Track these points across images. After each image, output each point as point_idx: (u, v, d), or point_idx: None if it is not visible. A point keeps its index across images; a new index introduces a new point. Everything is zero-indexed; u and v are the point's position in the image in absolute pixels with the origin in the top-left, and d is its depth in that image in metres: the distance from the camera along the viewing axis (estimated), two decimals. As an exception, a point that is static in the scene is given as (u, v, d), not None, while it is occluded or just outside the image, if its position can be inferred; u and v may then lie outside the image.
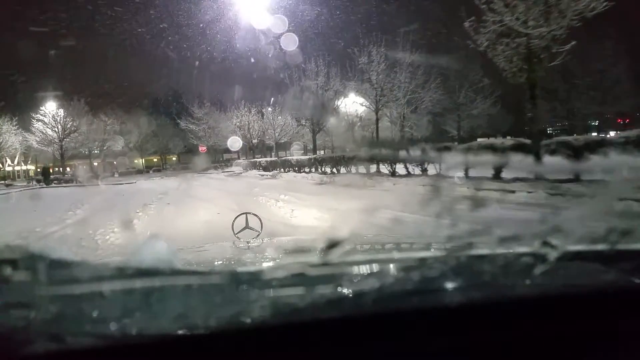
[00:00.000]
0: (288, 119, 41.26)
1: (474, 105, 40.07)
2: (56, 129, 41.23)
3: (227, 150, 59.87)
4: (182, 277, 0.79)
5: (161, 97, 58.95)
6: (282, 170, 28.60)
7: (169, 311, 0.74)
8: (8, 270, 0.70)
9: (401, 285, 0.82)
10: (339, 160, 20.93)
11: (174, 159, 63.51)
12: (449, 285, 0.85)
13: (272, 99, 39.68)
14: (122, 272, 0.76)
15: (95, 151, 52.43)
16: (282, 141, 45.18)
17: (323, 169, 22.88)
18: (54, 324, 0.70)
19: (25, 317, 0.69)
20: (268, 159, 38.59)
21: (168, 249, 0.83)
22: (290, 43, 23.90)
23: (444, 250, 1.01)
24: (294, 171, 26.49)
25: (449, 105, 40.38)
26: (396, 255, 1.38)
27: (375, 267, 0.91)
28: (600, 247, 0.98)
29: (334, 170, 21.37)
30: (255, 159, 40.50)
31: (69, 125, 41.64)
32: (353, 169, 19.65)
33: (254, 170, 34.41)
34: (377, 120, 29.35)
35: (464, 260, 0.89)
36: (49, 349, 0.68)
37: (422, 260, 0.91)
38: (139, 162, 60.64)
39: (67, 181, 32.89)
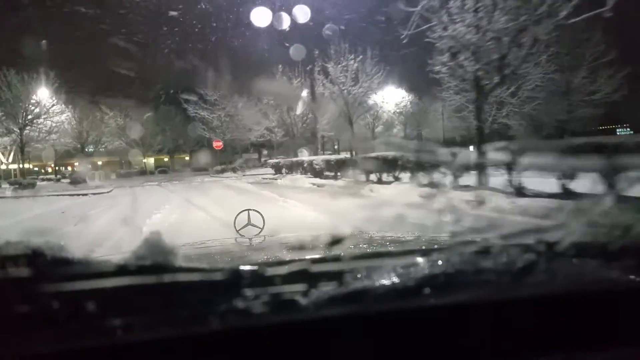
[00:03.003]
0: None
1: (594, 89, 28.20)
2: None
3: (246, 149, 50.22)
4: (184, 274, 0.78)
5: (170, 86, 47.92)
6: (364, 177, 14.88)
7: (171, 308, 0.73)
8: (10, 267, 0.70)
9: (404, 282, 0.81)
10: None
11: (186, 158, 53.19)
12: (452, 282, 0.84)
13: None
14: (124, 269, 0.75)
15: (89, 149, 42.67)
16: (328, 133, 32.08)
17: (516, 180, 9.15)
18: (55, 321, 0.69)
19: (26, 314, 0.68)
20: (328, 157, 22.32)
21: (170, 246, 0.82)
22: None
23: (447, 247, 0.99)
24: (393, 180, 13.31)
25: (556, 88, 28.85)
26: (399, 252, 1.36)
27: (378, 264, 0.88)
28: (603, 244, 0.96)
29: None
30: (300, 159, 24.76)
31: (32, 109, 29.39)
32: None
33: (298, 175, 21.84)
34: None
35: (466, 258, 0.89)
36: (51, 347, 0.68)
37: (426, 257, 0.90)
38: (149, 161, 52.27)
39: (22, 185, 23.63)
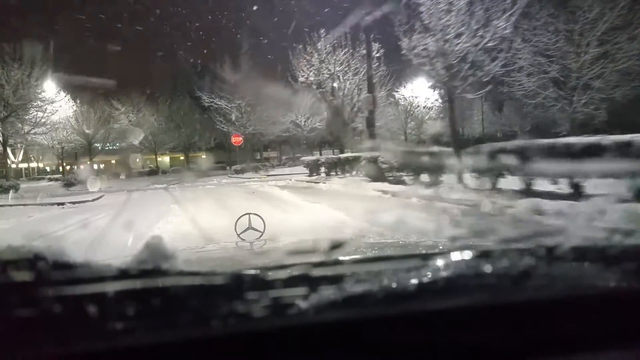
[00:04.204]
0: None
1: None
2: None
3: (266, 146, 45.70)
4: (185, 278, 0.78)
5: (185, 77, 43.37)
6: (490, 184, 9.33)
7: (172, 312, 0.73)
8: (11, 271, 0.70)
9: (404, 286, 0.81)
10: None
11: (202, 156, 49.44)
12: (452, 287, 0.84)
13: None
14: (125, 273, 0.75)
15: (100, 146, 40.43)
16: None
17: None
18: (57, 324, 0.69)
19: (28, 318, 0.68)
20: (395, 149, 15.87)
21: (171, 250, 0.82)
22: None
23: (447, 251, 0.98)
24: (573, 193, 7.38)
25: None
26: (399, 256, 1.35)
27: (378, 268, 0.88)
28: (603, 247, 0.97)
29: None
30: (355, 154, 18.48)
31: (12, 94, 22.79)
32: None
33: (347, 177, 16.92)
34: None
35: (467, 262, 0.88)
36: (52, 350, 0.68)
37: (426, 261, 0.90)
38: (163, 160, 49.57)
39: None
